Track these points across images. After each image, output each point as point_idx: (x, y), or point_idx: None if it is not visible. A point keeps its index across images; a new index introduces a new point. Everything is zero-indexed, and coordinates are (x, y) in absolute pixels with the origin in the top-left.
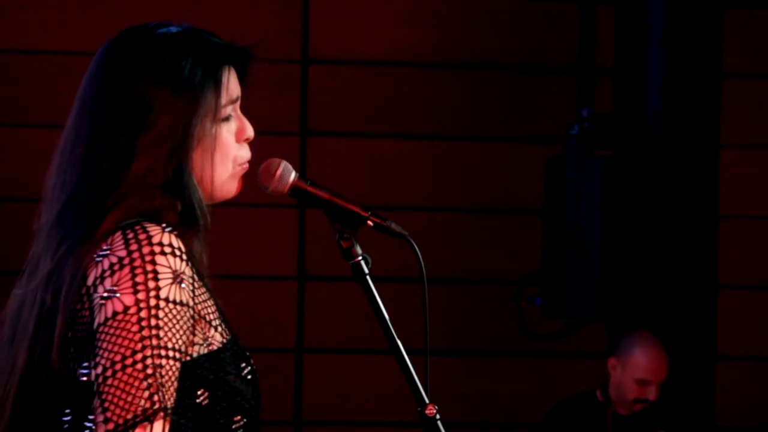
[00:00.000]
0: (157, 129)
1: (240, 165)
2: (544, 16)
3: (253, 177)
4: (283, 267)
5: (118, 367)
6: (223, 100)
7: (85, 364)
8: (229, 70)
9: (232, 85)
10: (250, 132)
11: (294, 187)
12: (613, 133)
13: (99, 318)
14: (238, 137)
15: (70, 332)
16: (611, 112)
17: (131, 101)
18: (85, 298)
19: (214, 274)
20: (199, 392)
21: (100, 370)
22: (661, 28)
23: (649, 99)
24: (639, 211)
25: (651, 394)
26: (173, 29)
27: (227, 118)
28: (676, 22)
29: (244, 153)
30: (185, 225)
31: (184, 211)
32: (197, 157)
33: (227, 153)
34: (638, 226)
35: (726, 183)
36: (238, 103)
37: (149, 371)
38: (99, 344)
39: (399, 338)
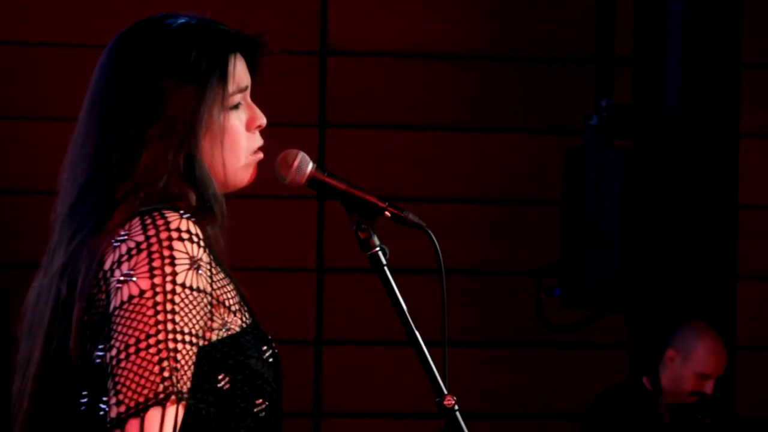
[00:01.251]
0: (164, 119)
1: (252, 154)
2: (562, 5)
3: (270, 168)
4: (301, 259)
5: (131, 350)
6: (230, 88)
7: (101, 347)
8: (235, 59)
9: (239, 73)
10: (261, 120)
11: (311, 178)
12: (632, 123)
13: (115, 301)
14: (249, 126)
15: (87, 316)
16: (630, 102)
17: (138, 93)
18: (102, 282)
19: (233, 266)
20: (219, 377)
21: (114, 352)
22: (680, 18)
23: (668, 89)
24: (658, 201)
25: (709, 387)
26: (180, 20)
27: (236, 107)
28: (695, 12)
29: (256, 141)
30: (201, 213)
31: (198, 199)
32: (207, 146)
33: (237, 141)
34: (657, 217)
35: (745, 173)
36: (248, 92)
37: (163, 355)
38: (114, 327)
39: (417, 329)
